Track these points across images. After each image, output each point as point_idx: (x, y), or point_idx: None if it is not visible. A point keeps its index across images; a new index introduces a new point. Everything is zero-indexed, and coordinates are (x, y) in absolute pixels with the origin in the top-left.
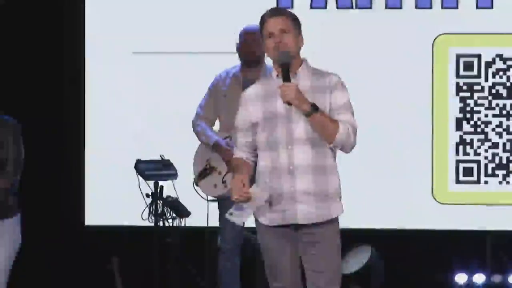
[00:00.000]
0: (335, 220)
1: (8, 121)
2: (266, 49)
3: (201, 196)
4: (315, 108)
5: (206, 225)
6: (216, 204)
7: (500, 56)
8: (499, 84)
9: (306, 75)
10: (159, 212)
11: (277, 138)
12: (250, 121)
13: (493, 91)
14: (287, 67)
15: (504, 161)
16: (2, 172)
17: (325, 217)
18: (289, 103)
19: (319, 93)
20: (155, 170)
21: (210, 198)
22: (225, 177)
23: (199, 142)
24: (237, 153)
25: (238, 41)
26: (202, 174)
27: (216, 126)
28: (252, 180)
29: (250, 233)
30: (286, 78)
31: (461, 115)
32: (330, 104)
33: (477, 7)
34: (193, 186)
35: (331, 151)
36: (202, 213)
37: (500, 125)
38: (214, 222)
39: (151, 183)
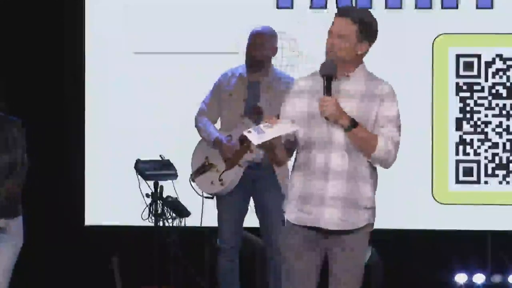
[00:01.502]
0: (362, 229)
1: (17, 122)
2: (326, 47)
3: (197, 192)
4: (353, 124)
5: (200, 223)
6: (214, 204)
7: (500, 56)
8: (499, 84)
9: (359, 80)
10: (159, 212)
11: (316, 139)
12: (292, 117)
13: (493, 91)
14: (330, 79)
15: (504, 161)
16: (14, 173)
17: (351, 225)
18: (327, 118)
19: (369, 100)
20: (155, 170)
21: (205, 195)
22: (222, 175)
23: (199, 140)
24: None
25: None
26: (200, 170)
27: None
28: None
29: (250, 233)
30: (328, 91)
31: (461, 115)
32: (377, 114)
33: (477, 7)
34: (189, 181)
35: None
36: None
37: (500, 125)
38: (213, 222)
39: (151, 183)
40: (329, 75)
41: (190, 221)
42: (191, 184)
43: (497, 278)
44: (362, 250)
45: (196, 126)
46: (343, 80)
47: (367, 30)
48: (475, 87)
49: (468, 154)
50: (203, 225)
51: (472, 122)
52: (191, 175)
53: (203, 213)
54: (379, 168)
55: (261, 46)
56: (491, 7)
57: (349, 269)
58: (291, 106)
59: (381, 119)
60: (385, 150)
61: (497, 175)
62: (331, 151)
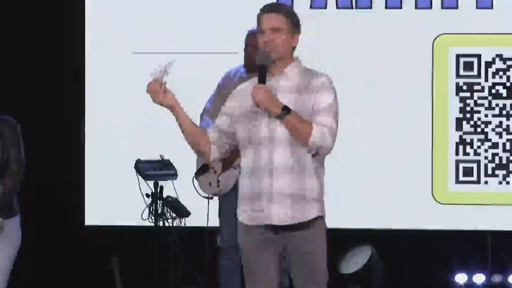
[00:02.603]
0: (313, 222)
1: (10, 121)
2: (259, 46)
3: (198, 192)
4: (286, 111)
5: (206, 224)
6: (214, 204)
7: (500, 56)
8: (499, 84)
9: (294, 74)
10: (159, 212)
11: (259, 136)
12: (230, 113)
13: (493, 91)
14: (264, 69)
15: (504, 161)
16: (8, 172)
17: (300, 219)
18: (258, 105)
19: (305, 93)
20: (155, 170)
21: (205, 195)
22: (219, 177)
23: None
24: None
25: None
26: (200, 170)
27: None
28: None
29: None
30: (261, 79)
31: (461, 115)
32: (313, 105)
33: (477, 7)
34: (192, 181)
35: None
36: (202, 213)
37: (500, 125)
38: (214, 222)
39: (151, 183)
40: (263, 65)
41: (191, 221)
42: (193, 183)
43: (497, 278)
44: (319, 244)
45: (199, 124)
46: (279, 76)
47: (296, 23)
48: (475, 87)
49: (468, 154)
50: (203, 225)
51: (472, 122)
52: (194, 174)
53: (209, 212)
54: (380, 168)
55: (258, 46)
56: (491, 7)
57: (309, 266)
58: (233, 103)
59: (317, 110)
60: (320, 137)
61: (497, 175)
62: (274, 147)
